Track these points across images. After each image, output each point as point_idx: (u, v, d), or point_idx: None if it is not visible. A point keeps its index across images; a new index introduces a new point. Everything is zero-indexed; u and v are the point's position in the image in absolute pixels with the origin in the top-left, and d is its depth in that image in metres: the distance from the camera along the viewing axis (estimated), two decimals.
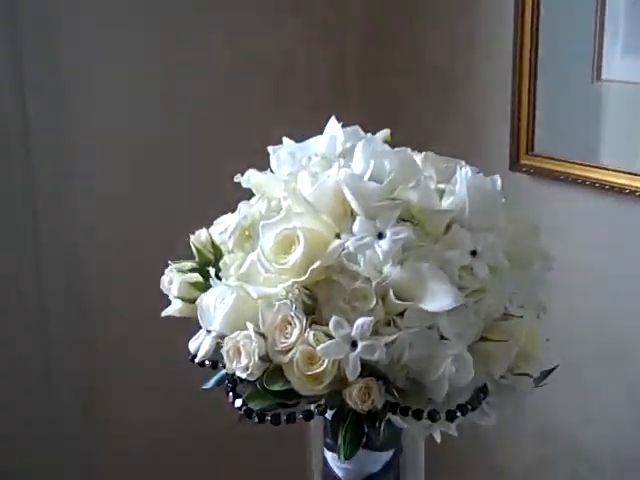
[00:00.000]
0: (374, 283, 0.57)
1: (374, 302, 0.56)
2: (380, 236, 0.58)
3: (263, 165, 0.70)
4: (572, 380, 1.19)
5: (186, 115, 1.38)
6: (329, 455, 0.70)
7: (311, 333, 0.57)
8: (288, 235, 0.59)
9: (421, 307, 0.55)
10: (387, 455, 0.68)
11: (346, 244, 0.57)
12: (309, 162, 0.65)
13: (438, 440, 0.66)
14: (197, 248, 0.68)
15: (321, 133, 0.69)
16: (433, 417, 0.57)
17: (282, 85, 1.47)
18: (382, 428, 0.57)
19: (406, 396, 0.58)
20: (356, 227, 0.58)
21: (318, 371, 0.56)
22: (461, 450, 1.44)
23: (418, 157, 0.66)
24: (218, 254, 0.67)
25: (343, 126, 0.69)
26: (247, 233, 0.65)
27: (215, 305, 0.62)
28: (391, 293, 0.56)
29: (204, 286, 0.66)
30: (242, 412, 0.60)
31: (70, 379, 1.36)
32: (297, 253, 0.58)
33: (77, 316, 1.35)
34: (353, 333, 0.56)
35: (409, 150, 0.63)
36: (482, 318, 0.59)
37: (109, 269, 1.35)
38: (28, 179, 1.25)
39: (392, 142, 0.68)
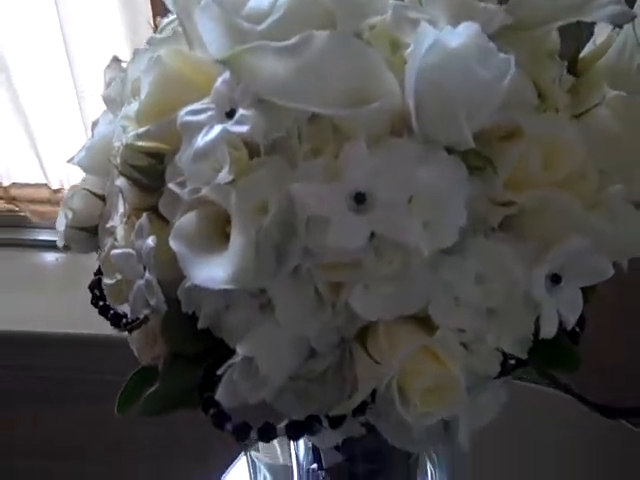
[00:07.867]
0: (185, 190, 0.34)
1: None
2: (231, 114, 0.33)
3: None
4: None
5: None
6: None
7: (121, 226, 0.38)
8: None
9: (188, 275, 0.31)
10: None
11: (179, 114, 0.34)
12: None
13: None
14: None
15: None
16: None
17: None
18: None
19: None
20: (215, 87, 0.34)
21: (111, 282, 0.38)
22: None
23: None
24: None
25: None
26: None
27: None
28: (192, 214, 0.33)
29: None
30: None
31: None
32: (142, 95, 0.37)
33: None
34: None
35: None
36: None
37: None
38: None
39: None
